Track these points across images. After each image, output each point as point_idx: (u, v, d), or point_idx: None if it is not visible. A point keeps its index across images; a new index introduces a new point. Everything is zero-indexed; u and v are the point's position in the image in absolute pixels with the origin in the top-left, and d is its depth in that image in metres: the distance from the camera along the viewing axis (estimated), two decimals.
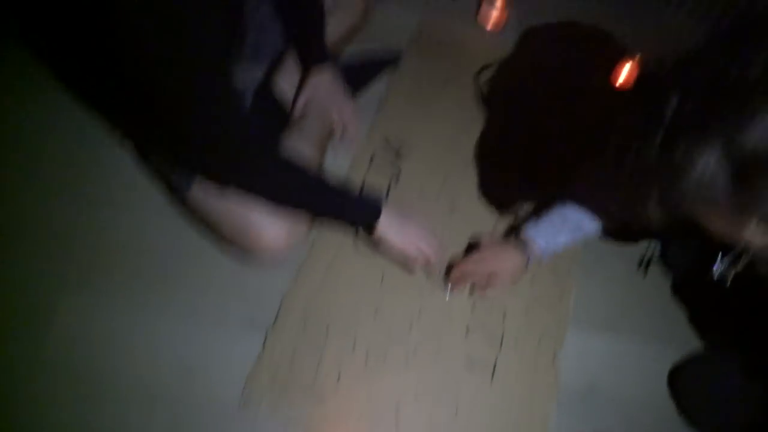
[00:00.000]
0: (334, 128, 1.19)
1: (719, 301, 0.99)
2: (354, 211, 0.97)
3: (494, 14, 1.44)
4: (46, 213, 1.06)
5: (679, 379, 1.04)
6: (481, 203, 1.19)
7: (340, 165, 1.19)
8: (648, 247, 1.18)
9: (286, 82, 1.18)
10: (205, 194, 0.95)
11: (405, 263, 1.03)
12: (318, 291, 1.04)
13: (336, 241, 1.10)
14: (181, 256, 1.05)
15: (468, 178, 1.22)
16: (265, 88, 1.16)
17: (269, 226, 0.95)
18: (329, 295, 1.04)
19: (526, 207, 1.18)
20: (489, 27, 1.46)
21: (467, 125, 1.29)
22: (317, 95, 1.15)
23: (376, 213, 0.96)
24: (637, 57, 1.34)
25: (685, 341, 1.10)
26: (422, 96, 1.31)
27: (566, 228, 1.00)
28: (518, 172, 1.22)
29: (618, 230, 1.05)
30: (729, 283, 0.74)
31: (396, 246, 0.99)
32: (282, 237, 0.96)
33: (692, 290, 1.12)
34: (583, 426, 1.01)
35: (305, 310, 1.02)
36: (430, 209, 1.17)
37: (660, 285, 1.17)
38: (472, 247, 1.10)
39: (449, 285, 1.06)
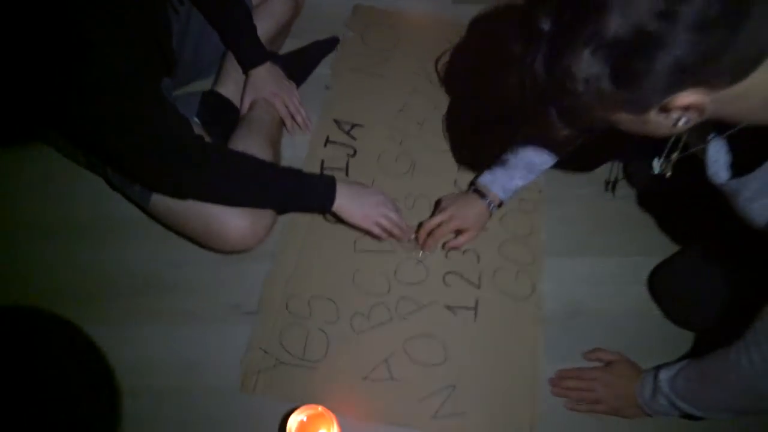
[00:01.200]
0: (284, 120, 1.24)
1: (673, 196, 1.02)
2: (309, 193, 1.02)
3: None
4: (25, 249, 1.12)
5: (656, 281, 1.06)
6: (438, 157, 1.23)
7: (298, 153, 1.24)
8: (611, 169, 1.21)
9: (230, 87, 1.23)
10: (164, 203, 1.01)
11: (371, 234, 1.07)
12: (295, 269, 1.09)
13: (307, 217, 1.14)
14: (164, 262, 1.10)
15: (422, 137, 1.26)
16: (212, 93, 1.22)
17: (231, 222, 1.00)
18: (307, 270, 1.08)
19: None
20: None
21: (412, 91, 1.33)
22: (260, 92, 1.21)
23: (331, 192, 1.01)
24: None
25: (661, 251, 1.11)
26: (364, 73, 1.36)
27: (519, 170, 1.04)
28: (472, 136, 1.25)
29: (571, 156, 1.08)
30: (670, 173, 0.76)
31: (356, 221, 1.04)
32: (246, 229, 1.02)
33: (653, 197, 1.15)
34: (573, 345, 1.03)
35: (286, 290, 1.06)
36: (391, 171, 1.21)
37: (628, 202, 1.19)
38: (436, 206, 1.13)
39: (420, 247, 1.10)
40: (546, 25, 0.54)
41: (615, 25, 0.49)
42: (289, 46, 1.37)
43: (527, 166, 1.03)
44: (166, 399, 0.97)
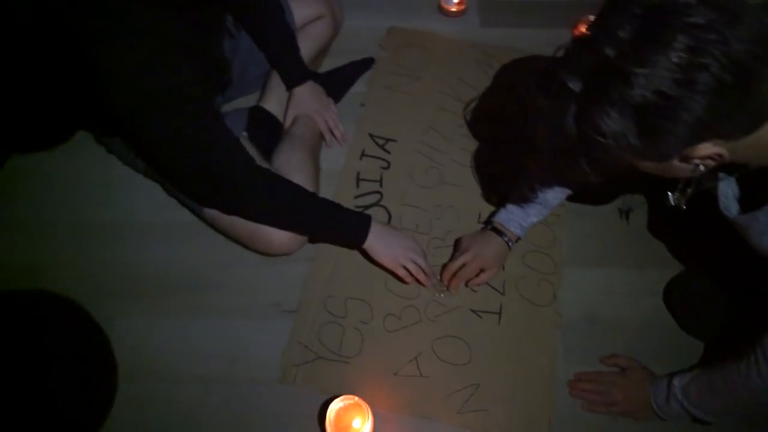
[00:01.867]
0: (323, 134, 1.33)
1: (684, 225, 1.08)
2: (343, 227, 1.08)
3: (454, 3, 1.58)
4: (85, 247, 1.23)
5: (671, 293, 1.13)
6: (465, 171, 1.31)
7: (335, 165, 1.33)
8: (624, 199, 1.27)
9: (274, 103, 1.33)
10: (215, 211, 1.10)
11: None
12: (333, 272, 1.17)
13: None
14: (207, 266, 1.20)
15: (449, 152, 1.35)
16: (258, 109, 1.32)
17: (276, 230, 1.09)
18: (343, 273, 1.17)
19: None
20: (453, 11, 1.60)
21: (440, 109, 1.42)
22: (302, 109, 1.31)
23: (364, 229, 1.07)
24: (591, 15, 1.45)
25: (676, 264, 1.18)
26: (397, 91, 1.45)
27: (534, 208, 1.10)
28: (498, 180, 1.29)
29: (589, 191, 1.15)
30: (684, 206, 0.81)
31: (383, 262, 1.10)
32: (289, 236, 1.11)
33: (667, 224, 1.21)
34: (591, 350, 1.10)
35: (323, 291, 1.15)
36: (421, 183, 1.30)
37: (645, 218, 1.25)
38: (456, 246, 1.18)
39: (444, 287, 1.14)
40: (575, 86, 0.60)
41: (640, 90, 0.56)
42: (327, 65, 1.47)
43: (542, 202, 1.09)
44: (211, 387, 1.06)
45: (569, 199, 1.14)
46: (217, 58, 1.10)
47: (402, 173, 1.31)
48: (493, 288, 1.16)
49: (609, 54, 0.57)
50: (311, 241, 1.17)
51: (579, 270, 1.19)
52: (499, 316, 1.13)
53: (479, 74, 1.47)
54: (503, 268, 1.18)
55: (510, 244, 1.12)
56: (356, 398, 0.94)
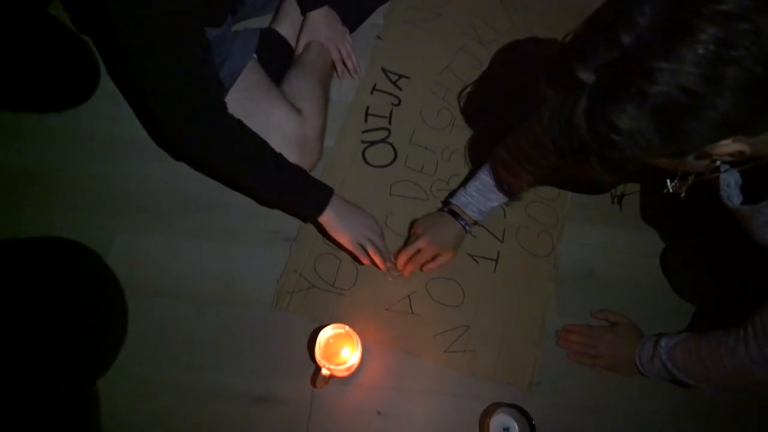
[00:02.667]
0: (335, 64, 1.29)
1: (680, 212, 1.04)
2: (304, 194, 1.02)
3: None
4: (92, 161, 1.22)
5: (667, 258, 1.13)
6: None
7: (344, 97, 1.30)
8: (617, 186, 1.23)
9: (287, 27, 1.29)
10: None
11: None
12: None
13: (348, 156, 1.22)
14: (212, 190, 1.18)
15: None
16: (270, 32, 1.27)
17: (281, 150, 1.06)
18: None
19: None
20: None
21: (459, 50, 1.37)
22: (316, 36, 1.26)
23: (323, 201, 1.01)
24: None
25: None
26: (416, 27, 1.39)
27: (495, 193, 1.05)
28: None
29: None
30: (684, 194, 0.77)
31: (339, 239, 1.04)
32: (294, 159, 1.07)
33: (660, 209, 1.18)
34: (583, 304, 1.11)
35: None
36: (432, 123, 1.28)
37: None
38: (411, 229, 1.13)
39: (398, 272, 1.09)
40: (588, 79, 0.55)
41: (663, 86, 0.50)
42: None
43: (503, 188, 1.04)
44: (206, 306, 1.08)
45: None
46: None
47: (412, 112, 1.28)
48: (492, 234, 1.15)
49: (626, 42, 0.52)
50: (267, 205, 1.13)
51: (580, 225, 1.19)
52: (496, 263, 1.13)
53: (503, 17, 1.41)
54: (504, 216, 1.17)
55: (467, 228, 1.08)
56: (346, 328, 0.96)
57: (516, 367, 1.04)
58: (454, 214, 1.08)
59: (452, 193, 1.12)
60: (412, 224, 1.14)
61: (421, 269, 1.09)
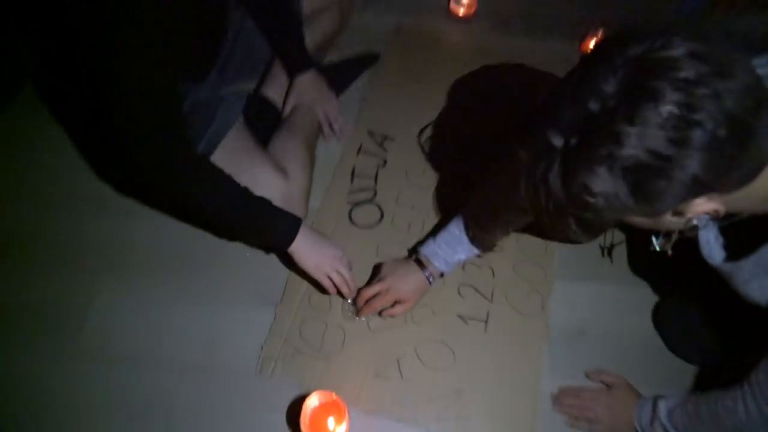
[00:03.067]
0: (321, 126, 1.31)
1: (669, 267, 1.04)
2: (274, 225, 1.00)
3: (464, 5, 1.56)
4: (74, 221, 1.20)
5: (659, 314, 1.11)
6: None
7: (330, 159, 1.31)
8: (605, 236, 1.23)
9: (275, 90, 1.31)
10: None
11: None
12: None
13: (333, 217, 1.21)
14: (196, 248, 1.17)
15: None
16: (257, 95, 1.29)
17: None
18: None
19: None
20: (460, 16, 1.58)
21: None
22: (303, 98, 1.28)
23: (292, 231, 1.00)
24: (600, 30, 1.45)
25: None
26: (401, 89, 1.43)
27: (463, 246, 1.04)
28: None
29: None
30: (670, 252, 0.76)
31: (307, 268, 1.03)
32: None
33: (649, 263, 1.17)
34: (577, 364, 1.08)
35: (309, 285, 1.12)
36: (417, 183, 1.28)
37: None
38: (374, 272, 1.12)
39: (356, 312, 1.09)
40: (558, 142, 0.56)
41: (631, 149, 0.51)
42: (332, 57, 1.45)
43: (473, 241, 1.03)
44: (186, 372, 1.04)
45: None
46: (213, 28, 1.07)
47: (398, 172, 1.29)
48: (482, 295, 1.13)
49: (593, 109, 0.53)
50: (232, 237, 1.12)
51: (569, 283, 1.17)
52: (486, 324, 1.10)
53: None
54: (493, 275, 1.16)
55: (431, 279, 1.06)
56: (334, 395, 0.91)
57: None
58: (420, 264, 1.06)
59: (422, 242, 1.10)
60: (376, 267, 1.12)
61: (380, 314, 1.07)
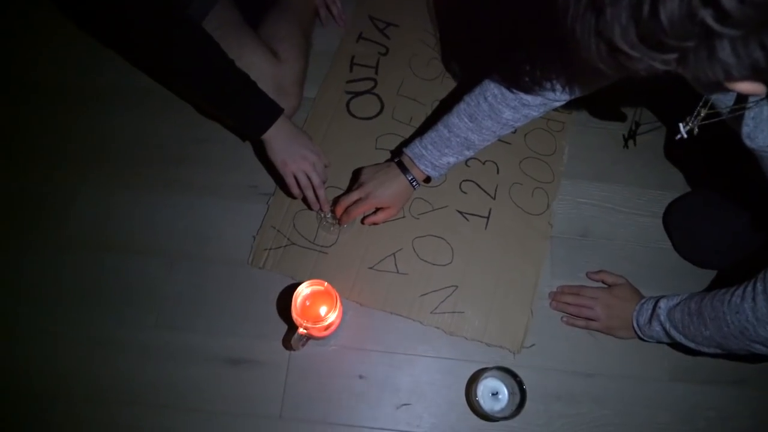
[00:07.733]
0: (318, 9, 1.21)
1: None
2: (253, 106, 0.93)
3: None
4: (60, 114, 1.14)
5: (670, 215, 1.06)
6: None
7: (328, 47, 1.21)
8: (629, 124, 1.17)
9: None
10: None
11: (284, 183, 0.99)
12: None
13: (330, 107, 1.14)
14: (190, 140, 1.12)
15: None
16: None
17: None
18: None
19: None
20: None
21: None
22: None
23: (270, 117, 0.93)
24: None
25: (680, 187, 1.11)
26: None
27: (452, 147, 0.94)
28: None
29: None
30: (696, 131, 0.70)
31: (275, 161, 0.96)
32: None
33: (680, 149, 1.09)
34: (578, 265, 1.04)
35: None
36: (421, 74, 1.19)
37: (654, 138, 1.16)
38: (354, 177, 1.05)
39: (335, 221, 1.03)
40: None
41: None
42: None
43: (464, 143, 0.93)
44: (177, 263, 1.01)
45: (584, 100, 0.94)
46: None
47: (401, 62, 1.20)
48: (484, 191, 1.08)
49: None
50: (210, 110, 1.05)
51: (577, 182, 1.12)
52: (487, 221, 1.06)
53: None
54: (497, 171, 1.10)
55: (415, 184, 0.97)
56: (325, 284, 0.89)
57: (507, 329, 0.98)
58: (403, 167, 0.97)
59: (406, 141, 1.00)
60: (355, 173, 1.05)
61: (362, 222, 1.02)
